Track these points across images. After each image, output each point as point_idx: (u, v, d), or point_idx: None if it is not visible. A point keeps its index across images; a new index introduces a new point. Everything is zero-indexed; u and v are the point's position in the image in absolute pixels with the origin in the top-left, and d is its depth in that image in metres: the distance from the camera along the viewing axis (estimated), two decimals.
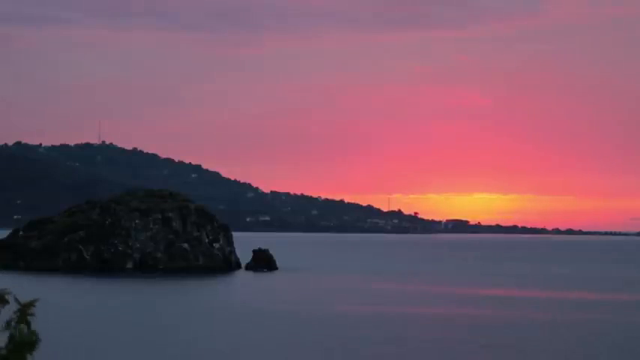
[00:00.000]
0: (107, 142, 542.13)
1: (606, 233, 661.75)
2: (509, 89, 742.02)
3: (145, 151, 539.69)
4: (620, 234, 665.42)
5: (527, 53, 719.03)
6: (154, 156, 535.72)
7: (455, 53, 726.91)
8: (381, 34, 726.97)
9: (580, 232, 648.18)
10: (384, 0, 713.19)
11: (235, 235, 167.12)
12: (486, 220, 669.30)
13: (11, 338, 9.06)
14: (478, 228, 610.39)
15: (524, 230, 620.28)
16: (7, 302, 9.32)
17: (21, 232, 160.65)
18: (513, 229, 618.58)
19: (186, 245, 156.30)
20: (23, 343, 8.99)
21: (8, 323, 9.11)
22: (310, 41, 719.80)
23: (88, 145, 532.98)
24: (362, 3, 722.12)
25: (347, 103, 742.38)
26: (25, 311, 9.11)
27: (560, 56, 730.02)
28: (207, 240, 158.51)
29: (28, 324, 9.14)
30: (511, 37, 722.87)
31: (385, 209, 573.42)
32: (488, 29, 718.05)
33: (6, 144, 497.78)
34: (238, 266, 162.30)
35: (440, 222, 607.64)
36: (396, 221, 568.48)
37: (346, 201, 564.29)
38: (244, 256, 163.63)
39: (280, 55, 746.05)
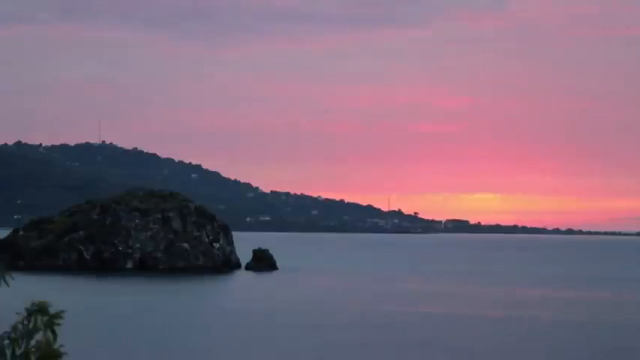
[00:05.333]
0: (107, 142, 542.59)
1: (606, 233, 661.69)
2: (492, 88, 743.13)
3: (145, 151, 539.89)
4: (620, 234, 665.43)
5: (497, 52, 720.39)
6: (154, 156, 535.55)
7: (429, 52, 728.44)
8: (354, 33, 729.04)
9: (580, 232, 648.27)
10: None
11: (235, 235, 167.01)
12: (486, 220, 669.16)
13: (37, 348, 8.91)
14: (478, 228, 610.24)
15: (524, 230, 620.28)
16: (47, 314, 9.19)
17: (21, 232, 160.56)
18: (513, 229, 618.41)
19: (186, 245, 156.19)
20: (47, 355, 8.86)
21: (30, 332, 8.96)
22: (293, 42, 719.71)
23: (88, 145, 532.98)
24: (328, 3, 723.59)
25: (343, 103, 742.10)
26: (52, 321, 8.97)
27: (530, 54, 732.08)
28: (207, 240, 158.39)
29: (54, 334, 9.02)
30: (481, 36, 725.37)
31: (385, 209, 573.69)
32: (454, 28, 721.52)
33: (6, 144, 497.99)
34: (238, 266, 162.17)
35: (440, 222, 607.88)
36: (396, 221, 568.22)
37: (346, 201, 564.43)
38: (244, 256, 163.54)
39: (273, 55, 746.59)
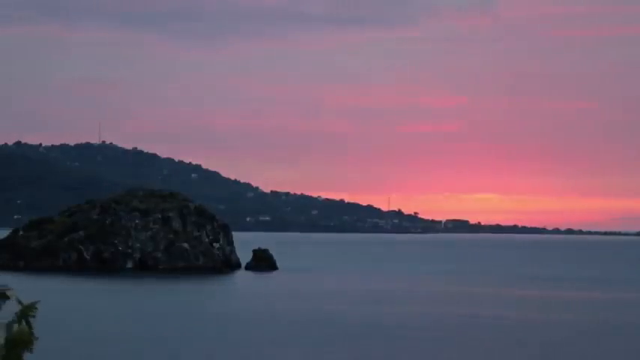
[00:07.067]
0: (107, 142, 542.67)
1: (606, 233, 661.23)
2: (486, 88, 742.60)
3: (145, 151, 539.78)
4: (620, 234, 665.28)
5: (487, 51, 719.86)
6: (154, 156, 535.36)
7: (420, 52, 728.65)
8: (345, 34, 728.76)
9: (580, 232, 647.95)
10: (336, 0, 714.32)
11: (235, 235, 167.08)
12: (486, 220, 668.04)
13: (9, 338, 9.20)
14: (478, 228, 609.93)
15: (524, 230, 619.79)
16: (7, 298, 9.45)
17: (21, 232, 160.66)
18: (513, 229, 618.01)
19: (186, 245, 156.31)
20: (19, 341, 9.13)
21: (9, 324, 9.25)
22: (289, 43, 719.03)
23: (88, 145, 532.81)
24: (317, 3, 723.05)
25: (342, 103, 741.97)
26: (26, 312, 9.24)
27: (518, 54, 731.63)
28: (207, 240, 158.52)
29: (29, 325, 9.28)
30: (469, 35, 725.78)
31: (385, 209, 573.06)
32: (442, 28, 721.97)
33: (6, 144, 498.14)
34: (238, 266, 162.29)
35: (440, 222, 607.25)
36: (396, 221, 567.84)
37: (346, 201, 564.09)
38: (244, 256, 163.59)
39: (272, 55, 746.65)
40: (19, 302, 8.94)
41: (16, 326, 8.80)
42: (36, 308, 8.82)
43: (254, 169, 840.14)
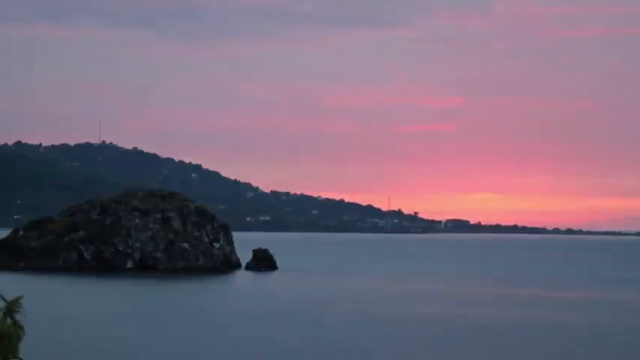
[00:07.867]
0: (107, 142, 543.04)
1: (606, 233, 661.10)
2: (486, 88, 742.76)
3: (145, 151, 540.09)
4: (620, 234, 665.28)
5: (486, 52, 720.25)
6: (154, 156, 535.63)
7: (419, 52, 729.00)
8: (338, 32, 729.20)
9: (580, 232, 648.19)
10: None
11: (235, 235, 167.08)
12: (486, 220, 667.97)
13: None
14: (478, 228, 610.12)
15: (524, 230, 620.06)
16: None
17: (21, 232, 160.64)
18: (513, 229, 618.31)
19: (186, 245, 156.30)
20: (6, 334, 9.13)
21: None
22: (286, 43, 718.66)
23: (88, 145, 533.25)
24: (315, 3, 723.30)
25: (342, 103, 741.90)
26: (10, 308, 9.25)
27: (517, 54, 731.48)
28: (207, 240, 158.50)
29: (14, 319, 9.28)
30: (466, 36, 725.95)
31: (385, 209, 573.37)
32: (442, 29, 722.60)
33: (6, 144, 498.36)
34: (238, 266, 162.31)
35: (440, 222, 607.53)
36: (396, 221, 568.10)
37: (346, 201, 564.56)
38: (244, 256, 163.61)
39: (270, 55, 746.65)
40: (2, 298, 9.05)
41: (5, 321, 8.88)
42: (20, 303, 8.90)
43: (254, 169, 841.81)
